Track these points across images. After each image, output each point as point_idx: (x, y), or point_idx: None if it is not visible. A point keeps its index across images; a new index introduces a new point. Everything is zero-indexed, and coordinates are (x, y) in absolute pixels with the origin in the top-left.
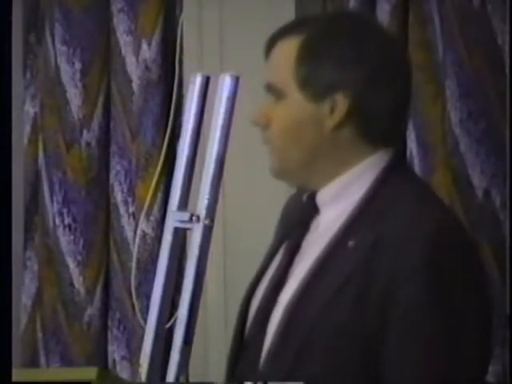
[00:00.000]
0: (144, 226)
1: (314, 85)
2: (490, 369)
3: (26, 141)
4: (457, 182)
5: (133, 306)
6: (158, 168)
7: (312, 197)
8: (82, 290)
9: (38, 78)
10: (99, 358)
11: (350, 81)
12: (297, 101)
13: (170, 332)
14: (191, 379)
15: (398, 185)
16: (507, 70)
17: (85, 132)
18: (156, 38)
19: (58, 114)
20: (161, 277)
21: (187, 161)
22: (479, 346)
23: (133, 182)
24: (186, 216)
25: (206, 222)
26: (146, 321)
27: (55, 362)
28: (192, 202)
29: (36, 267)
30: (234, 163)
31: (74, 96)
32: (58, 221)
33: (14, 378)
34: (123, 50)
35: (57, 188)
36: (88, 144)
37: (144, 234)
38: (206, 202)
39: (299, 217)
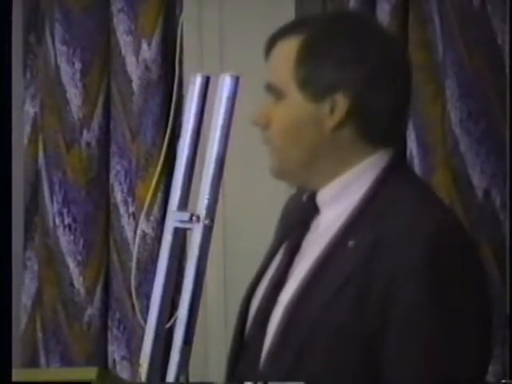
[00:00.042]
0: (144, 226)
1: (313, 85)
2: (490, 369)
3: (26, 141)
4: (457, 181)
5: (133, 306)
6: (158, 168)
7: (312, 197)
8: (82, 290)
9: (38, 78)
10: (99, 357)
11: (349, 81)
12: (297, 101)
13: (170, 332)
14: (191, 379)
15: (398, 185)
16: (507, 70)
17: (85, 132)
18: (156, 38)
19: (57, 114)
20: (161, 277)
21: (187, 161)
22: (479, 346)
23: (133, 182)
24: (186, 216)
25: (206, 222)
26: (145, 321)
27: (55, 362)
28: (192, 202)
29: (36, 267)
30: (234, 163)
31: (74, 96)
32: (58, 221)
33: (14, 378)
34: (123, 50)
35: (57, 188)
36: (88, 144)
37: (144, 234)
38: (206, 202)
39: (299, 217)
